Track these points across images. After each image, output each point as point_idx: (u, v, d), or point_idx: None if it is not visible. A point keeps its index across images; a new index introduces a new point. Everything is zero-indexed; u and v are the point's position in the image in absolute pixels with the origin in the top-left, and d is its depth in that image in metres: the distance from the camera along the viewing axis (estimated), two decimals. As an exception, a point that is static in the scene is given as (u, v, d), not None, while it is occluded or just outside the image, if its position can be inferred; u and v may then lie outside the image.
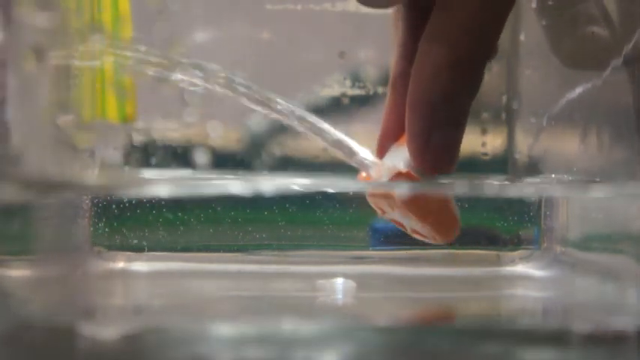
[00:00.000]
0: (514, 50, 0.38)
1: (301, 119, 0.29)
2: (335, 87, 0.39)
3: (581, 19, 0.32)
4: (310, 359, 0.25)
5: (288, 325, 0.26)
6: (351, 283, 0.34)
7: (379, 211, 0.31)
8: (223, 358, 0.24)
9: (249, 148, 0.37)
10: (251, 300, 0.32)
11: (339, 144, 0.30)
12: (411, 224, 0.30)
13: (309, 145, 0.37)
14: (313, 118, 0.30)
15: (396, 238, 0.36)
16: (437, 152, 0.28)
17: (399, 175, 0.29)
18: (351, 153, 0.30)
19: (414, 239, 0.30)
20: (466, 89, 0.28)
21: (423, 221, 0.29)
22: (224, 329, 0.25)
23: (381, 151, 0.31)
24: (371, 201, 0.30)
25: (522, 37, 0.38)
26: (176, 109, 0.36)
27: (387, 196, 0.29)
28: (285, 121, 0.30)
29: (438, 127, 0.27)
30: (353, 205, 0.36)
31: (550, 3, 0.33)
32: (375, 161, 0.30)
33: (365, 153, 0.30)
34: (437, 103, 0.27)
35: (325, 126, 0.30)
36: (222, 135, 0.36)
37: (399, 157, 0.29)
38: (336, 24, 0.39)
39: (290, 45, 0.39)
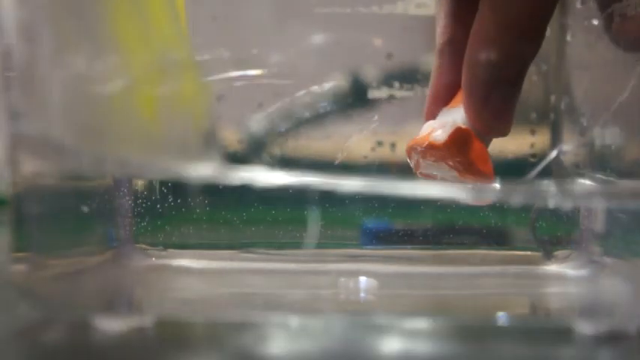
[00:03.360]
0: (561, 50, 0.38)
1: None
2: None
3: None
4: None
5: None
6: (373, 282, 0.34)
7: (414, 164, 0.31)
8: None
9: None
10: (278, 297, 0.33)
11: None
12: (449, 177, 0.31)
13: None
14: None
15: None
16: (494, 111, 0.28)
17: (459, 131, 0.29)
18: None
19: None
20: (527, 49, 0.28)
21: (464, 172, 0.30)
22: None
23: (430, 117, 0.31)
24: (410, 151, 0.31)
25: (569, 38, 0.37)
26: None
27: (430, 147, 0.30)
28: None
29: (497, 86, 0.28)
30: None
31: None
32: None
33: None
34: (497, 62, 0.28)
35: None
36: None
37: (456, 116, 0.30)
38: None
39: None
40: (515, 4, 0.27)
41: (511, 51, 0.28)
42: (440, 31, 0.31)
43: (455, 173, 0.30)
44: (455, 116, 0.30)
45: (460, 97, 0.30)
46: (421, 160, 0.31)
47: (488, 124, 0.29)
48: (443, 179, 0.31)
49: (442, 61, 0.31)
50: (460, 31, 0.30)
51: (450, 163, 0.30)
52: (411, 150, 0.31)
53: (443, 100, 0.31)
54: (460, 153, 0.29)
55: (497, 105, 0.28)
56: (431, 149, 0.30)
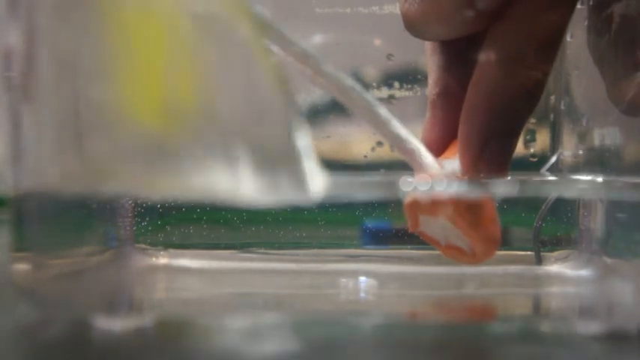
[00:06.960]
0: (561, 50, 0.38)
1: (365, 109, 0.29)
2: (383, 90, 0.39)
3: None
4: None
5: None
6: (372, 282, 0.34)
7: (412, 223, 0.30)
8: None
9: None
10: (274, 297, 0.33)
11: (400, 140, 0.29)
12: (451, 236, 0.30)
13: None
14: (381, 110, 0.29)
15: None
16: (490, 162, 0.28)
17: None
18: (413, 151, 0.29)
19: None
20: (527, 100, 0.28)
21: (470, 231, 0.29)
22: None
23: None
24: (411, 208, 0.30)
25: (569, 38, 0.37)
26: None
27: (436, 202, 0.29)
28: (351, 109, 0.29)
29: (495, 137, 0.28)
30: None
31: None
32: (434, 164, 0.30)
33: (425, 153, 0.30)
34: (497, 115, 0.28)
35: (390, 119, 0.29)
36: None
37: (453, 167, 0.29)
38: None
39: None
40: (517, 58, 0.27)
41: (512, 103, 0.28)
42: (432, 82, 0.31)
43: (458, 232, 0.29)
44: (454, 168, 0.29)
45: (453, 148, 0.30)
46: (421, 217, 0.30)
47: (483, 175, 0.28)
48: (446, 240, 0.30)
49: (435, 113, 0.31)
50: (453, 83, 0.30)
51: (456, 220, 0.29)
52: (412, 205, 0.30)
53: (435, 152, 0.30)
54: (469, 209, 0.29)
55: (493, 156, 0.28)
56: (436, 204, 0.29)
